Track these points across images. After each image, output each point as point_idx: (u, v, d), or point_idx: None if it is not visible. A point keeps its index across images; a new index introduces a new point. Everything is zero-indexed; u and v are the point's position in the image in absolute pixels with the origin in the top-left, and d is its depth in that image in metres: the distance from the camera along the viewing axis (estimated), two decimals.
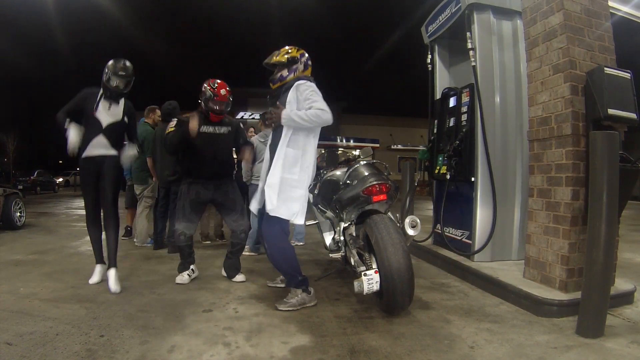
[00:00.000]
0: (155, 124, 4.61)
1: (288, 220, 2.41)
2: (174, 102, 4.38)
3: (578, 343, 1.98)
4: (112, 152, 2.90)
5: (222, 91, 2.96)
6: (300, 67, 2.50)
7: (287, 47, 2.54)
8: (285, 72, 2.49)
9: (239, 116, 21.67)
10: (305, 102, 2.31)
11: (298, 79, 2.46)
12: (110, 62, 2.83)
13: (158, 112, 4.65)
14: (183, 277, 3.03)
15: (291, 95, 2.37)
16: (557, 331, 2.13)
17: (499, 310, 2.47)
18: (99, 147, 2.86)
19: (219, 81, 3.00)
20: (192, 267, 3.13)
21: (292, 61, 2.48)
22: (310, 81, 2.45)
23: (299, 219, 2.39)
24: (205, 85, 2.98)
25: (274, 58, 2.52)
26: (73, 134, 2.77)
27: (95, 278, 2.90)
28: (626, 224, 6.46)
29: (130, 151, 2.99)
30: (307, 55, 2.55)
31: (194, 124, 2.87)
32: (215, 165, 3.05)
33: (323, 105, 2.28)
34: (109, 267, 2.81)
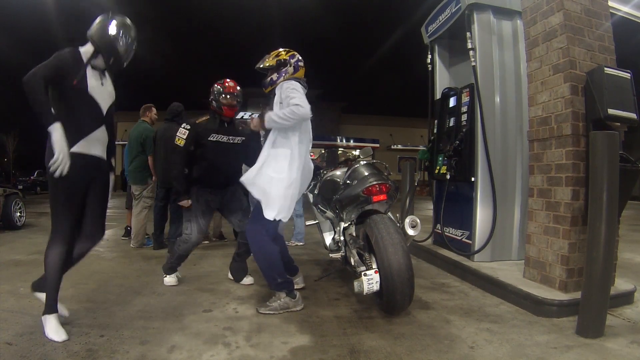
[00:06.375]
0: (152, 122, 4.60)
1: (273, 221, 2.36)
2: (180, 105, 4.44)
3: (578, 343, 1.98)
4: (104, 154, 2.12)
5: (230, 82, 2.96)
6: (290, 69, 2.48)
7: (277, 50, 2.54)
8: (275, 76, 2.48)
9: (238, 116, 21.69)
10: (285, 101, 2.31)
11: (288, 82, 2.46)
12: (120, 19, 2.01)
13: (154, 109, 4.65)
14: (172, 279, 2.96)
15: (277, 97, 2.39)
16: (557, 331, 2.13)
17: (499, 310, 2.47)
18: (98, 144, 2.04)
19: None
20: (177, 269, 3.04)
21: (281, 64, 2.48)
22: (297, 81, 2.42)
23: (282, 217, 2.33)
24: (213, 85, 2.98)
25: (265, 63, 2.53)
26: (61, 139, 1.80)
27: (61, 335, 1.89)
28: (626, 224, 6.46)
29: None
30: (298, 56, 2.52)
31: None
32: (226, 175, 2.96)
33: (299, 100, 2.25)
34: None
